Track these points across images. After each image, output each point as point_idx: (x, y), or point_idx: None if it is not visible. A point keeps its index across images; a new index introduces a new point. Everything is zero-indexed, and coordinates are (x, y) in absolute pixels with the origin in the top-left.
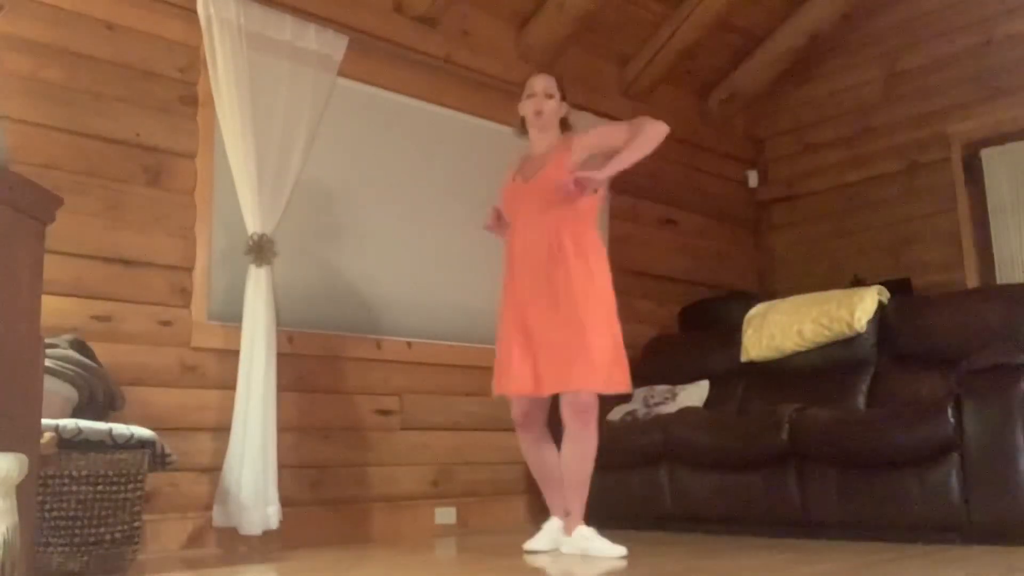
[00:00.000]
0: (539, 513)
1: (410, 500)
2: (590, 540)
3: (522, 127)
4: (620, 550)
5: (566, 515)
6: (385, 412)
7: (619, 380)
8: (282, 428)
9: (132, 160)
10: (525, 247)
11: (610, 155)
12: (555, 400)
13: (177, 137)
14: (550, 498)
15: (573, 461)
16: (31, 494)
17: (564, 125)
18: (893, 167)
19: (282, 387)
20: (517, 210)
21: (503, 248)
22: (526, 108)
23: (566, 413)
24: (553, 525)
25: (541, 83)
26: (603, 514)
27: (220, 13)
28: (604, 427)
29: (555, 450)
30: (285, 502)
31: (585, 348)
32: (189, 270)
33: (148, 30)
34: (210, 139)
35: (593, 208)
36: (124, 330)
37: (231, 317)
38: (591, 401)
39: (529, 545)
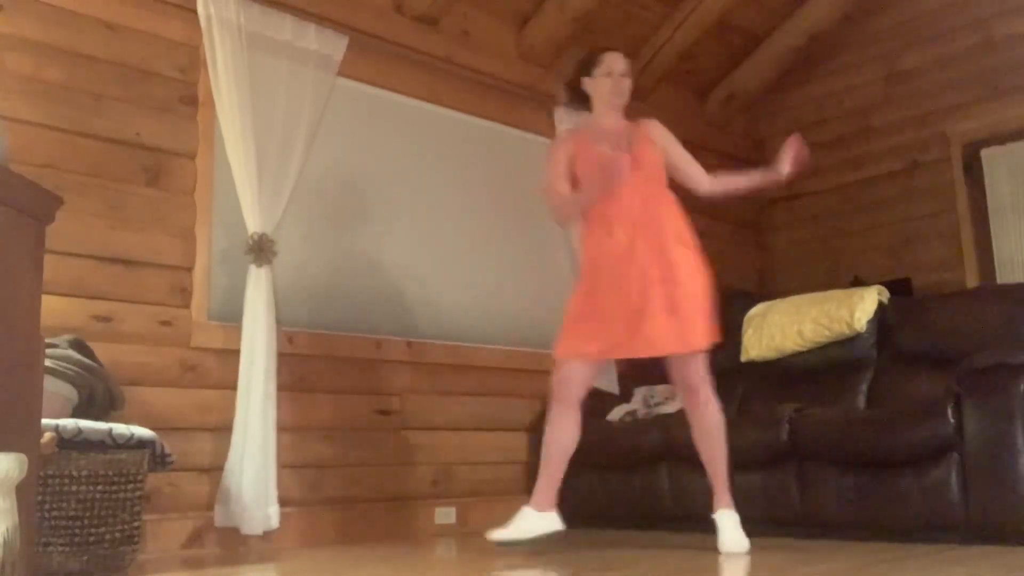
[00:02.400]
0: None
1: (410, 500)
2: (729, 527)
3: (578, 101)
4: (742, 546)
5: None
6: (385, 412)
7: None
8: (282, 428)
9: (132, 160)
10: (626, 216)
11: (670, 162)
12: None
13: (177, 137)
14: (547, 485)
15: (713, 438)
16: (31, 494)
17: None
18: (893, 167)
19: (282, 387)
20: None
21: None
22: (602, 86)
23: (686, 393)
24: (531, 516)
25: (620, 63)
26: (603, 514)
27: (220, 13)
28: (604, 427)
29: (577, 432)
30: (285, 502)
31: (694, 314)
32: (189, 270)
33: (148, 30)
34: (210, 139)
35: None
36: (124, 330)
37: (231, 317)
38: (703, 375)
39: (499, 536)
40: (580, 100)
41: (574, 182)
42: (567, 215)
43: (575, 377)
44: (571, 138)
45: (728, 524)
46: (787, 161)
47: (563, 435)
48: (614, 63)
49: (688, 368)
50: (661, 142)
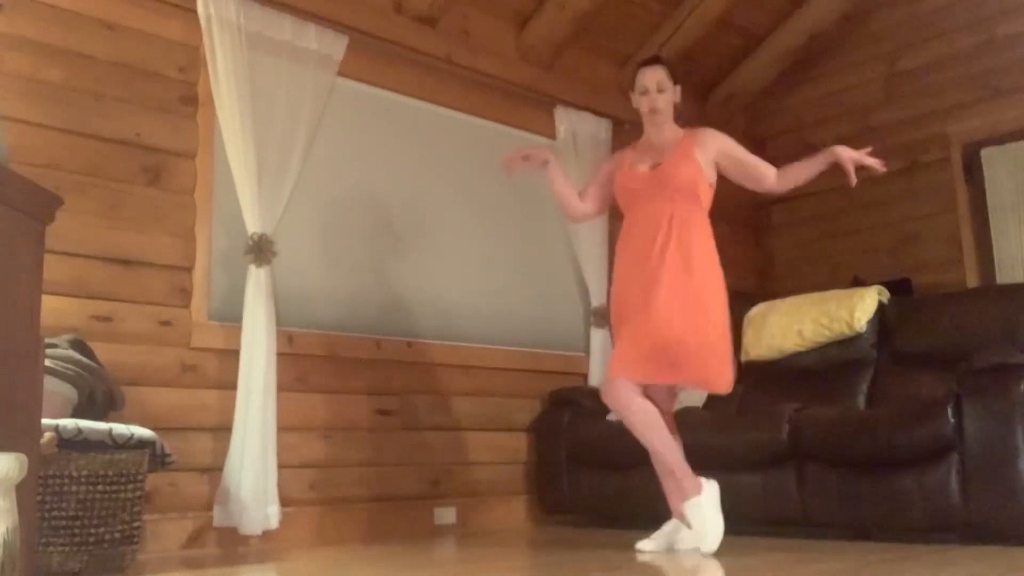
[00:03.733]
0: (539, 513)
1: (410, 500)
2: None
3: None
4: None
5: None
6: (385, 412)
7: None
8: (282, 428)
9: (132, 160)
10: (641, 236)
11: (732, 167)
12: None
13: (177, 137)
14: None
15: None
16: (31, 494)
17: (678, 108)
18: (893, 167)
19: (282, 387)
20: (635, 198)
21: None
22: (641, 105)
23: (670, 408)
24: (714, 491)
25: (653, 78)
26: (604, 514)
27: (220, 13)
28: (604, 427)
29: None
30: (285, 502)
31: (719, 346)
32: (189, 270)
33: (148, 30)
34: (210, 139)
35: (709, 200)
36: (124, 330)
37: (231, 317)
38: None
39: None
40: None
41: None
42: (564, 210)
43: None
44: (621, 156)
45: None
46: (850, 167)
47: (653, 416)
48: (646, 79)
49: (672, 400)
50: (711, 152)
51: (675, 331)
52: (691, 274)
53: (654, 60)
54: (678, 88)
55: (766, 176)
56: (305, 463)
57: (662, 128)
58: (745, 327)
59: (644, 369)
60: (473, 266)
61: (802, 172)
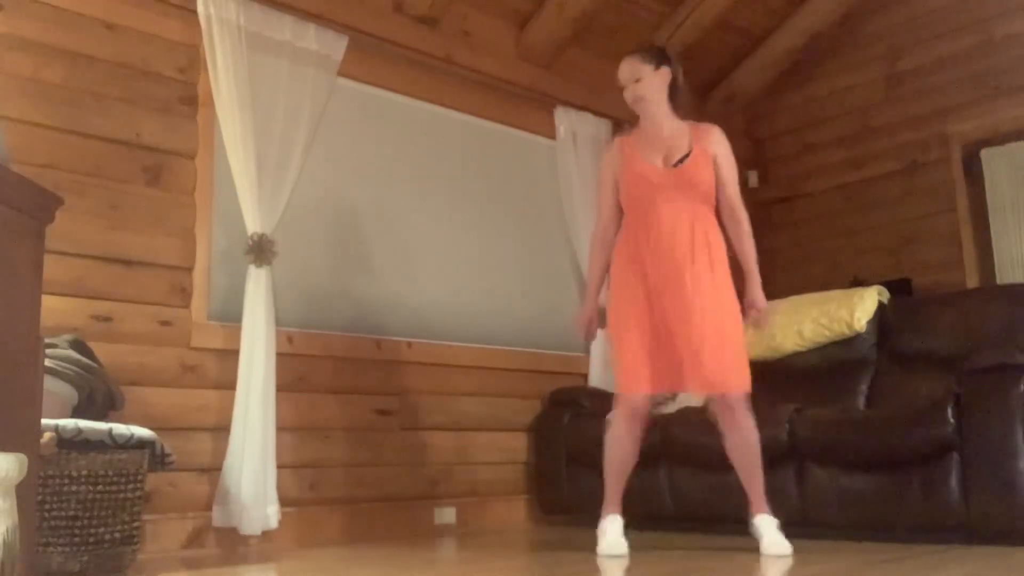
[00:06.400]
0: (539, 513)
1: (410, 500)
2: (769, 530)
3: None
4: (783, 548)
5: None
6: (385, 412)
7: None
8: (282, 428)
9: (132, 160)
10: (662, 235)
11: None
12: None
13: (177, 137)
14: (616, 493)
15: (749, 451)
16: (31, 494)
17: (674, 91)
18: (893, 167)
19: (282, 387)
20: (654, 192)
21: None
22: (626, 99)
23: (723, 410)
24: (617, 523)
25: (624, 70)
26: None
27: (220, 13)
28: (604, 427)
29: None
30: (285, 502)
31: (735, 349)
32: (189, 270)
33: (148, 30)
34: (210, 139)
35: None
36: (124, 330)
37: (231, 317)
38: (742, 396)
39: (608, 550)
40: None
41: (619, 193)
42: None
43: (638, 405)
44: (620, 150)
45: (768, 528)
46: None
47: (625, 453)
48: (619, 74)
49: (722, 402)
50: (714, 153)
51: (708, 332)
52: (715, 275)
53: (629, 52)
54: (662, 69)
55: (725, 207)
56: (305, 463)
57: (656, 117)
58: (745, 327)
59: (661, 379)
60: (473, 266)
61: (742, 261)
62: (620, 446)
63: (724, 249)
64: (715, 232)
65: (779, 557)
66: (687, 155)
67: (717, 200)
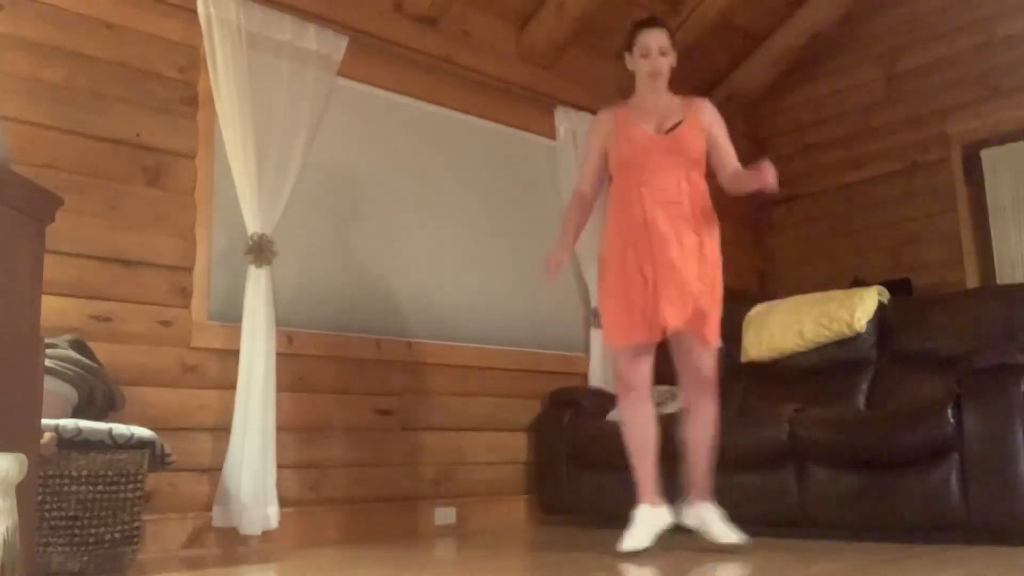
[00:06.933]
0: (539, 513)
1: (410, 500)
2: (718, 519)
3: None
4: (740, 536)
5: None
6: (385, 412)
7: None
8: (282, 428)
9: (132, 160)
10: (661, 197)
11: (710, 146)
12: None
13: (177, 137)
14: (647, 478)
15: (708, 434)
16: (31, 494)
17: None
18: (893, 167)
19: (282, 387)
20: (646, 159)
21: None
22: (640, 67)
23: (699, 384)
24: (647, 514)
25: (656, 40)
26: (604, 514)
27: (220, 13)
28: (604, 427)
29: (655, 422)
30: (285, 502)
31: (718, 313)
32: (189, 270)
33: (148, 30)
34: (210, 139)
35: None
36: (124, 330)
37: (231, 317)
38: (715, 366)
39: (630, 545)
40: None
41: (608, 161)
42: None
43: (639, 364)
44: (611, 117)
45: (716, 516)
46: (755, 177)
47: (645, 428)
48: (649, 40)
49: (704, 359)
50: (704, 124)
51: (705, 290)
52: (707, 241)
53: (654, 22)
54: (674, 54)
55: (726, 168)
56: (305, 463)
57: (661, 92)
58: (745, 327)
59: (646, 328)
60: (473, 266)
61: (743, 183)
62: (635, 429)
63: (715, 216)
64: (706, 198)
65: (737, 545)
66: (680, 122)
67: (721, 167)
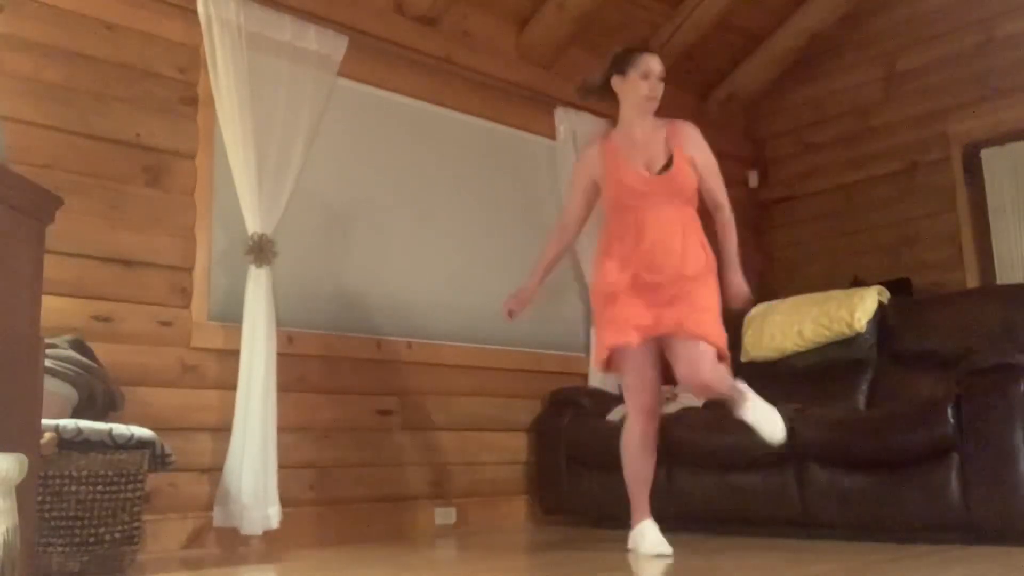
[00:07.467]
0: (539, 513)
1: (410, 500)
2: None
3: (599, 96)
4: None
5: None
6: (385, 412)
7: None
8: (282, 428)
9: (132, 160)
10: (654, 243)
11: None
12: None
13: (177, 137)
14: (643, 501)
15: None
16: (31, 494)
17: None
18: (893, 167)
19: (282, 387)
20: (642, 200)
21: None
22: (638, 89)
23: (694, 388)
24: (653, 526)
25: (658, 65)
26: (604, 514)
27: (220, 13)
28: (604, 427)
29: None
30: (285, 502)
31: (716, 322)
32: (189, 270)
33: (148, 30)
34: (210, 139)
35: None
36: (124, 330)
37: (231, 317)
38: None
39: (654, 549)
40: (601, 95)
41: (597, 195)
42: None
43: (649, 389)
44: (601, 152)
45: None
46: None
47: (646, 457)
48: (653, 64)
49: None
50: (692, 158)
51: (706, 322)
52: (705, 282)
53: (649, 48)
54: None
55: (714, 205)
56: (305, 463)
57: (648, 118)
58: (745, 327)
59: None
60: (473, 266)
61: (724, 248)
62: (637, 462)
63: (712, 257)
64: (703, 237)
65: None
66: (670, 161)
67: (700, 195)
